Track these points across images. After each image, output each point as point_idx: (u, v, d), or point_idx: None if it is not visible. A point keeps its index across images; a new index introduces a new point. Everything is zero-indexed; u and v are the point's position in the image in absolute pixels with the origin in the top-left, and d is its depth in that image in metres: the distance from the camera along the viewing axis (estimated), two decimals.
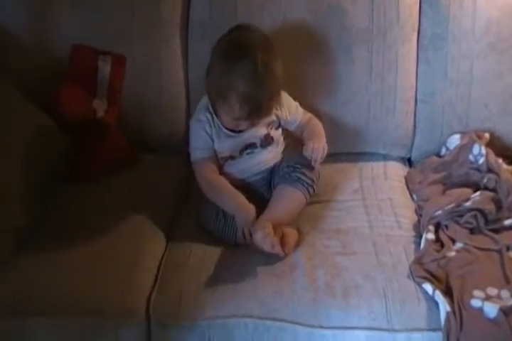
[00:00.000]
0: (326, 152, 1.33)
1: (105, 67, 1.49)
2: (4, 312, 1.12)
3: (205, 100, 1.37)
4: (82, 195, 1.41)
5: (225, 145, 1.34)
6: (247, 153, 1.36)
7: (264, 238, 1.17)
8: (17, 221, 1.24)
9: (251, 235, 1.21)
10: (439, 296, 1.13)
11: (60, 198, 1.41)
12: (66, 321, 1.12)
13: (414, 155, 1.63)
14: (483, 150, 1.47)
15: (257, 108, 1.22)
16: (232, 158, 1.36)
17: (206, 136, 1.33)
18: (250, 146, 1.35)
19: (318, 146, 1.32)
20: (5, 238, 1.21)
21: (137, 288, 1.17)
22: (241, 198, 1.27)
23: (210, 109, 1.34)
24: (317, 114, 1.51)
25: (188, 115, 1.57)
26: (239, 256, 1.24)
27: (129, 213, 1.35)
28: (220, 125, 1.33)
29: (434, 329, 1.11)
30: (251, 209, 1.25)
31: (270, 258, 1.22)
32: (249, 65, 1.19)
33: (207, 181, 1.33)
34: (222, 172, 1.37)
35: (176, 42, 1.55)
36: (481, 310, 1.12)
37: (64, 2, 1.52)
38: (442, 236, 1.30)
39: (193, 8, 1.55)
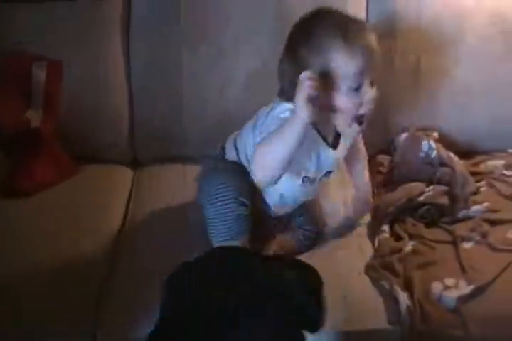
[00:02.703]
0: None
1: (40, 74, 1.46)
2: None
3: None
4: (17, 213, 1.38)
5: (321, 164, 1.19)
6: (319, 181, 1.23)
7: None
8: None
9: None
10: (397, 291, 1.16)
11: None
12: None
13: None
14: (434, 145, 1.52)
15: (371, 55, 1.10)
16: (308, 180, 1.20)
17: None
18: (328, 173, 1.24)
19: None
20: None
21: (83, 300, 1.16)
22: None
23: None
24: None
25: (132, 121, 1.56)
26: None
27: (70, 227, 1.34)
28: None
29: (394, 324, 1.13)
30: None
31: None
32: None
33: None
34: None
35: (116, 43, 1.54)
36: (439, 301, 1.16)
37: None
38: (399, 230, 1.34)
39: (134, 7, 1.53)
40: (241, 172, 1.19)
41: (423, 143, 1.53)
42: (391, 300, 1.16)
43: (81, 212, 1.39)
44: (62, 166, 1.49)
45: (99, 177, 1.52)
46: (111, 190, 1.49)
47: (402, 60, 1.56)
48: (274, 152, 1.05)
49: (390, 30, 1.55)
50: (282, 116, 1.09)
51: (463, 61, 1.56)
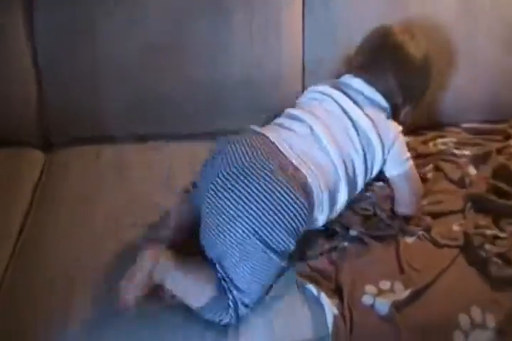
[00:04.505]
0: None
1: None
2: None
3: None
4: None
5: None
6: None
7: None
8: None
9: None
10: (324, 299, 1.08)
11: None
12: None
13: None
14: None
15: None
16: None
17: None
18: None
19: None
20: None
21: None
22: None
23: None
24: (196, 86, 1.42)
25: (41, 99, 1.42)
26: None
27: None
28: None
29: (322, 338, 1.05)
30: None
31: None
32: None
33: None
34: None
35: (16, 12, 1.37)
36: (372, 307, 1.08)
37: None
38: (334, 224, 1.23)
39: None
40: None
41: None
42: (318, 308, 1.08)
43: None
44: None
45: (4, 162, 1.39)
46: (16, 176, 1.37)
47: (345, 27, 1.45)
48: None
49: None
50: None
51: None
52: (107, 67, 1.40)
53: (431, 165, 1.42)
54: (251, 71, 1.44)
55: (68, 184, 1.34)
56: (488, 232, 1.21)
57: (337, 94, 1.23)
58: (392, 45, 1.26)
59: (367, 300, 1.08)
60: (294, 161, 1.09)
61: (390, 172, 1.23)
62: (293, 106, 1.45)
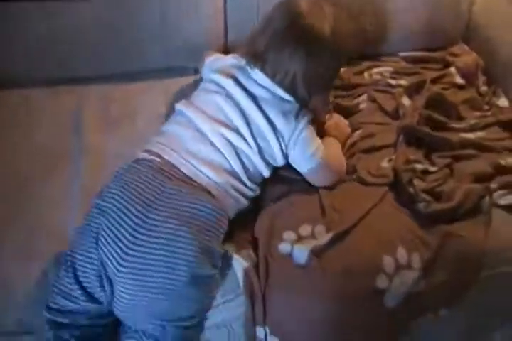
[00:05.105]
0: None
1: None
2: None
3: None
4: None
5: None
6: None
7: None
8: None
9: None
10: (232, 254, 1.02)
11: None
12: None
13: None
14: None
15: None
16: None
17: None
18: None
19: None
20: None
21: None
22: None
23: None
24: (106, 28, 1.34)
25: None
26: None
27: None
28: None
29: (238, 295, 1.00)
30: None
31: None
32: None
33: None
34: None
35: None
36: (289, 256, 1.01)
37: None
38: None
39: None
40: None
41: None
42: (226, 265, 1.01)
43: None
44: None
45: None
46: None
47: None
48: None
49: None
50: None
51: None
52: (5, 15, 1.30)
53: (364, 96, 1.34)
54: (167, 9, 1.35)
55: None
56: (418, 167, 1.14)
57: (235, 90, 1.11)
58: (297, 32, 1.09)
59: (284, 248, 1.01)
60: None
61: (301, 169, 1.12)
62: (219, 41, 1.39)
